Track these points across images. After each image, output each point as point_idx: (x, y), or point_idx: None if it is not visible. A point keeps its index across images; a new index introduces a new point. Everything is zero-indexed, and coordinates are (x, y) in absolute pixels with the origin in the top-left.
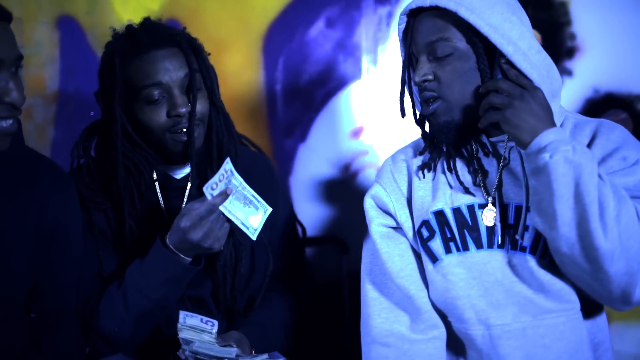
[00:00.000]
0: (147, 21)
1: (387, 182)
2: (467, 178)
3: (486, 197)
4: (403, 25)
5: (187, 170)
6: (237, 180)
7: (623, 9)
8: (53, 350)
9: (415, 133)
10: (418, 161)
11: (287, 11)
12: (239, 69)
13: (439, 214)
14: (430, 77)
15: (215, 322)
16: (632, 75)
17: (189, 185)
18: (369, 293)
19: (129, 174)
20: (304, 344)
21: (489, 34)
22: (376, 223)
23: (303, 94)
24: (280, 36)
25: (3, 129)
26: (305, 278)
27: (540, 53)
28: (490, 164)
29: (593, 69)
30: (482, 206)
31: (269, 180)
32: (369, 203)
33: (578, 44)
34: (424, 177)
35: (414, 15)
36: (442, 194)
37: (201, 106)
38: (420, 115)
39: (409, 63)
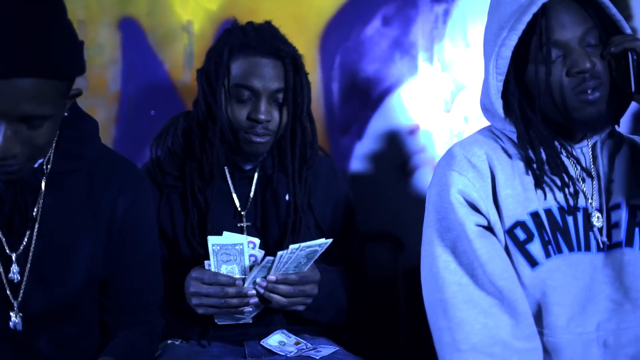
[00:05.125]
0: (266, 25)
1: (472, 176)
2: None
3: (588, 201)
4: (529, 17)
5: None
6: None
7: None
8: (128, 345)
9: (470, 132)
10: (500, 153)
11: (343, 10)
12: None
13: (535, 216)
14: (595, 65)
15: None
16: None
17: (256, 174)
18: (458, 295)
19: (203, 152)
20: (359, 340)
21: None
22: (471, 222)
23: (359, 92)
24: (337, 35)
25: None
26: (361, 275)
27: None
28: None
29: None
30: (570, 211)
31: (333, 180)
32: (457, 199)
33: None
34: (526, 175)
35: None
36: (533, 193)
37: (279, 120)
38: (517, 110)
39: (546, 56)
